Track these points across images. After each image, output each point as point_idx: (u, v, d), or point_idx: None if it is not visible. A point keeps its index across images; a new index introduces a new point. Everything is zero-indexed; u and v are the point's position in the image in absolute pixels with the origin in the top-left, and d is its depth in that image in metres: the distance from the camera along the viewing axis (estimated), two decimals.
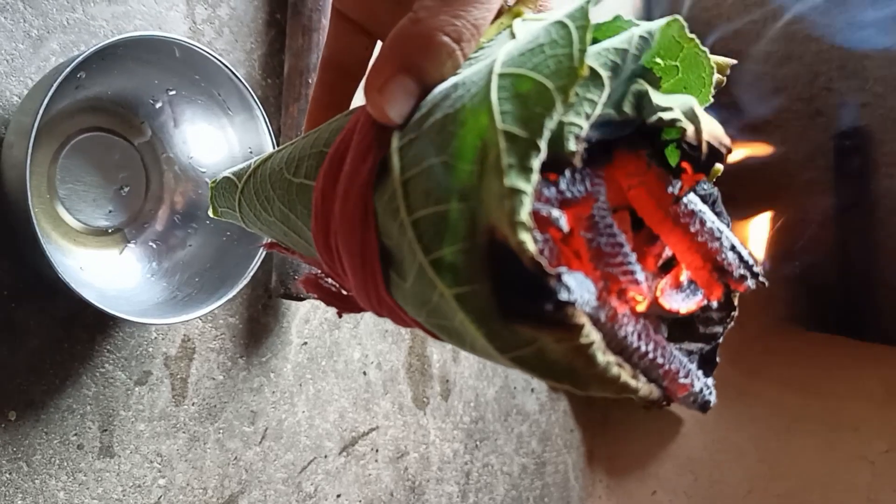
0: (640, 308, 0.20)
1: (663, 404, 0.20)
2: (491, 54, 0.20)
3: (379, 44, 0.31)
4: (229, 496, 0.62)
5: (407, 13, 0.22)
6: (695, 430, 1.17)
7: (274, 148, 0.56)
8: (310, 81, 0.63)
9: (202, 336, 0.60)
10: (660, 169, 0.21)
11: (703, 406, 0.20)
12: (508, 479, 0.98)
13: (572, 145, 0.18)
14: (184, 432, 0.58)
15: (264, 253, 0.56)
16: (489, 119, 0.18)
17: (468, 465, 0.91)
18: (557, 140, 0.17)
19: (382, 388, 0.78)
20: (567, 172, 0.19)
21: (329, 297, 0.28)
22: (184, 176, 0.58)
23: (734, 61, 0.24)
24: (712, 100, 0.24)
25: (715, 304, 0.22)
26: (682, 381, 0.19)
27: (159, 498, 0.56)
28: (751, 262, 0.21)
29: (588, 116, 0.18)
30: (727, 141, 0.20)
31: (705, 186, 0.23)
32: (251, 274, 0.54)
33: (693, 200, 0.22)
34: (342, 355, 0.73)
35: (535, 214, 0.17)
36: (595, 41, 0.20)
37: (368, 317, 0.76)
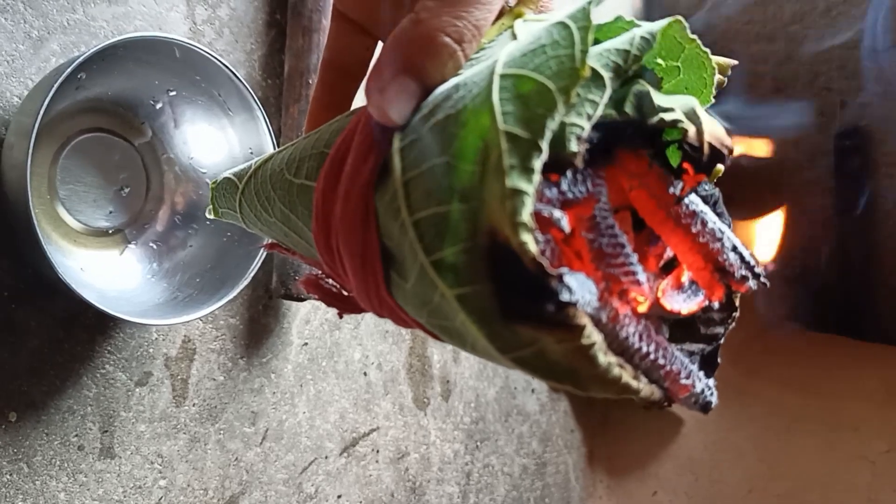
0: (642, 309, 0.20)
1: (664, 405, 0.20)
2: (492, 55, 0.20)
3: (380, 45, 0.31)
4: (230, 497, 0.62)
5: (408, 14, 0.22)
6: (695, 431, 1.17)
7: (274, 148, 0.56)
8: (310, 82, 0.63)
9: (203, 337, 0.60)
10: (661, 169, 0.21)
11: (705, 407, 0.20)
12: (509, 480, 0.98)
13: (574, 146, 0.18)
14: (184, 433, 0.58)
15: (265, 254, 0.56)
16: (491, 120, 0.18)
17: (469, 466, 0.91)
18: (559, 141, 0.17)
19: (383, 388, 0.78)
20: (568, 173, 0.19)
21: (330, 298, 0.28)
22: (184, 176, 0.58)
23: (735, 62, 0.24)
24: (713, 100, 0.24)
25: (716, 304, 0.22)
26: (683, 381, 0.19)
27: (160, 499, 0.56)
28: (752, 262, 0.21)
29: (590, 117, 0.18)
30: (728, 142, 0.20)
31: (706, 187, 0.23)
32: (252, 275, 0.54)
33: (694, 201, 0.22)
34: (343, 356, 0.73)
35: (537, 215, 0.17)
36: (596, 42, 0.20)
37: (369, 317, 0.76)
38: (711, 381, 0.20)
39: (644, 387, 0.18)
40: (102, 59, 0.46)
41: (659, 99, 0.21)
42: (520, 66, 0.18)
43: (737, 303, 0.23)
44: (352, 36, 0.30)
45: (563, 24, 0.19)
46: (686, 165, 0.21)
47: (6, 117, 0.48)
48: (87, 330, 0.52)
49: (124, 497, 0.54)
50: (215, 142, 0.57)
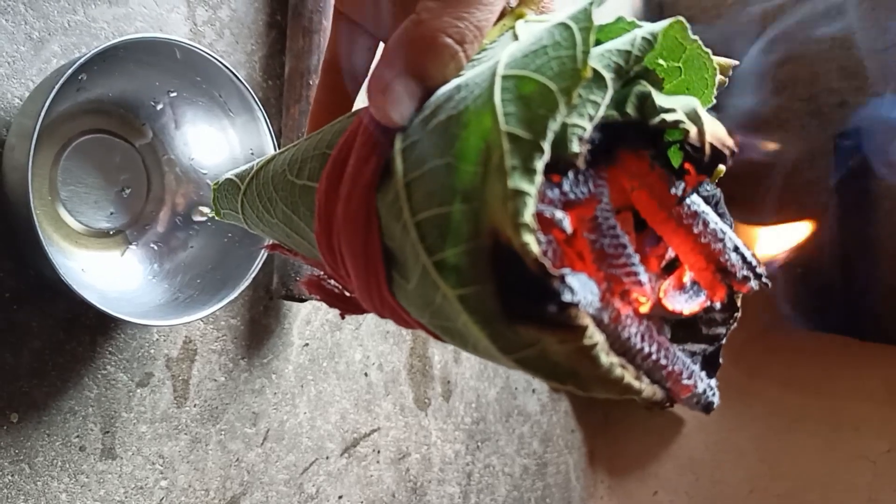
0: (644, 309, 0.20)
1: (666, 406, 0.20)
2: (494, 56, 0.20)
3: (381, 46, 0.31)
4: (231, 497, 0.62)
5: (409, 15, 0.22)
6: (696, 430, 1.17)
7: (275, 149, 0.56)
8: (311, 83, 0.63)
9: (204, 338, 0.60)
10: (663, 170, 0.21)
11: (707, 407, 0.20)
12: (510, 480, 0.98)
13: (575, 147, 0.18)
14: (185, 434, 0.58)
15: (266, 254, 0.56)
16: (492, 121, 0.18)
17: (469, 466, 0.91)
18: (561, 141, 0.18)
19: (384, 389, 0.78)
20: (570, 174, 0.19)
21: (332, 299, 0.28)
22: (185, 177, 0.58)
23: (737, 62, 0.24)
24: (715, 101, 0.24)
25: (718, 305, 0.22)
26: (685, 382, 0.19)
27: (161, 499, 0.56)
28: (754, 263, 0.21)
29: (591, 118, 0.18)
30: (730, 142, 0.20)
31: (708, 187, 0.23)
32: (253, 275, 0.54)
33: (696, 201, 0.22)
34: (344, 357, 0.73)
35: (539, 216, 0.17)
36: (598, 43, 0.20)
37: (370, 318, 0.76)
38: (713, 382, 0.20)
39: (646, 387, 0.18)
40: (103, 60, 0.46)
41: (660, 99, 0.21)
42: (521, 67, 0.19)
43: (738, 303, 0.23)
44: (353, 37, 0.30)
45: (564, 25, 0.19)
46: (687, 166, 0.21)
47: (7, 119, 0.48)
48: (88, 331, 0.52)
49: (126, 498, 0.54)
50: (216, 143, 0.57)
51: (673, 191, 0.21)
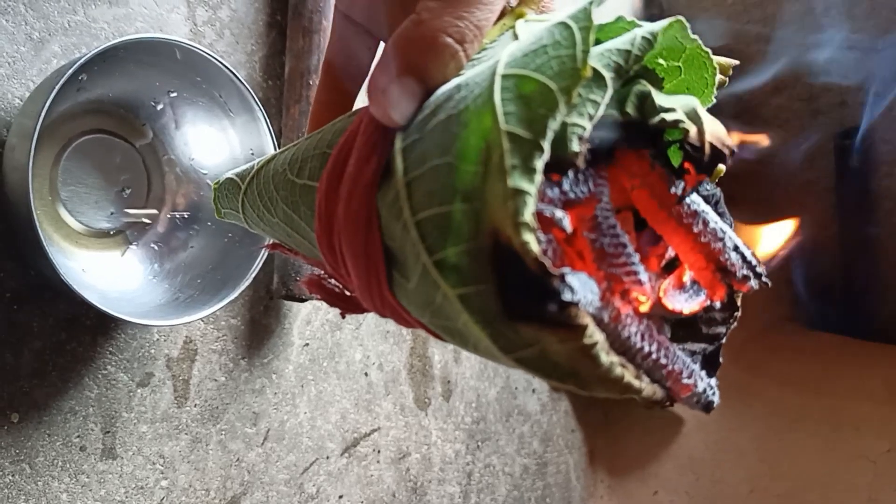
0: (644, 308, 0.20)
1: (666, 405, 0.20)
2: (494, 55, 0.21)
3: (382, 45, 0.31)
4: (232, 497, 0.62)
5: (409, 15, 0.22)
6: (696, 430, 1.17)
7: (275, 149, 0.56)
8: (311, 83, 0.63)
9: (204, 337, 0.60)
10: (663, 169, 0.21)
11: (707, 406, 0.20)
12: (510, 480, 0.98)
13: (575, 146, 0.18)
14: (186, 434, 0.58)
15: (266, 254, 0.56)
16: (492, 120, 0.18)
17: (470, 466, 0.91)
18: (561, 141, 0.18)
19: (384, 388, 0.78)
20: (570, 173, 0.19)
21: (332, 298, 0.28)
22: (185, 178, 0.59)
23: (736, 62, 0.24)
24: (715, 100, 0.24)
25: (718, 304, 0.23)
26: (685, 381, 0.19)
27: (162, 499, 0.56)
28: (753, 262, 0.21)
29: (591, 117, 0.18)
30: (730, 142, 0.20)
31: (708, 187, 0.23)
32: (253, 275, 0.54)
33: (696, 201, 0.22)
34: (344, 356, 0.73)
35: (539, 215, 0.17)
36: (598, 42, 0.20)
37: (370, 318, 0.76)
38: (713, 381, 0.21)
39: (646, 386, 0.18)
40: (103, 60, 0.46)
41: (660, 99, 0.21)
42: (521, 67, 0.19)
43: (738, 302, 0.23)
44: (353, 37, 0.30)
45: (564, 25, 0.19)
46: (687, 165, 0.21)
47: (8, 119, 0.48)
48: (88, 331, 0.52)
49: (126, 498, 0.54)
50: (216, 143, 0.57)
51: (673, 190, 0.21)
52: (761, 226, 0.25)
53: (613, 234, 0.19)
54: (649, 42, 0.20)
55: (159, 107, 0.56)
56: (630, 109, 0.21)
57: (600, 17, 0.19)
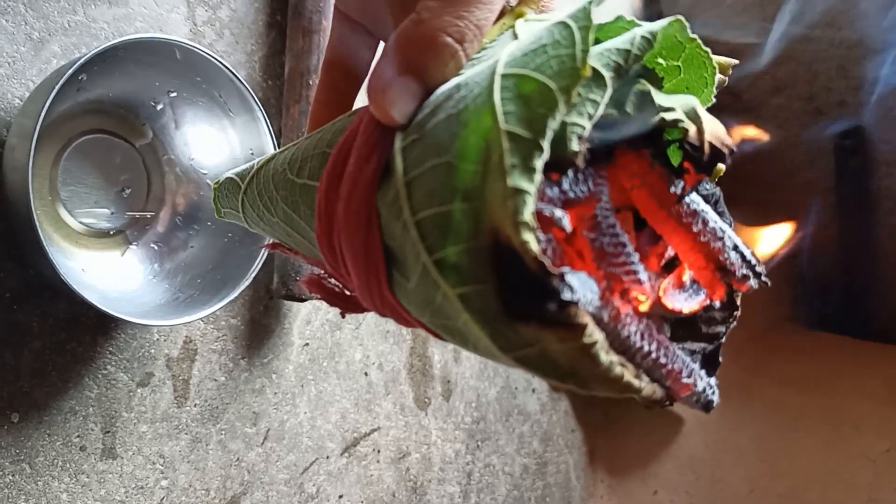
0: (643, 308, 0.20)
1: (666, 404, 0.20)
2: (494, 55, 0.21)
3: (381, 45, 0.31)
4: (232, 497, 0.62)
5: (409, 14, 0.22)
6: (696, 430, 1.17)
7: (275, 149, 0.56)
8: (310, 83, 0.63)
9: (204, 337, 0.60)
10: (662, 169, 0.21)
11: (706, 406, 0.20)
12: (510, 480, 0.98)
13: (575, 145, 0.18)
14: (186, 433, 0.58)
15: (266, 254, 0.56)
16: (492, 119, 0.18)
17: (470, 466, 0.91)
18: (560, 140, 0.18)
19: (384, 388, 0.78)
20: (570, 172, 0.19)
21: (332, 298, 0.28)
22: (185, 178, 0.59)
23: (736, 61, 0.24)
24: (714, 100, 0.24)
25: (717, 303, 0.23)
26: (684, 380, 0.19)
27: (162, 499, 0.56)
28: (753, 261, 0.21)
29: (591, 117, 0.18)
30: (729, 141, 0.20)
31: (707, 186, 0.23)
32: (253, 275, 0.55)
33: (695, 200, 0.22)
34: (344, 356, 0.73)
35: (539, 214, 0.17)
36: (597, 41, 0.20)
37: (370, 318, 0.76)
38: (713, 380, 0.21)
39: (646, 386, 0.18)
40: (103, 60, 0.46)
41: (660, 98, 0.21)
42: (521, 66, 0.19)
43: (738, 302, 0.23)
44: (353, 36, 0.30)
45: (564, 24, 0.19)
46: (687, 165, 0.21)
47: (8, 119, 0.48)
48: (88, 331, 0.52)
49: (126, 497, 0.54)
50: (216, 143, 0.57)
51: (672, 189, 0.21)
52: (760, 227, 0.25)
53: (613, 234, 0.19)
54: (649, 41, 0.20)
55: (159, 107, 0.56)
56: (630, 108, 0.21)
57: (600, 16, 0.19)
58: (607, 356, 0.17)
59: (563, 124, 0.18)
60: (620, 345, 0.18)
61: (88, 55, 0.43)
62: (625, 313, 0.18)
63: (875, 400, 1.08)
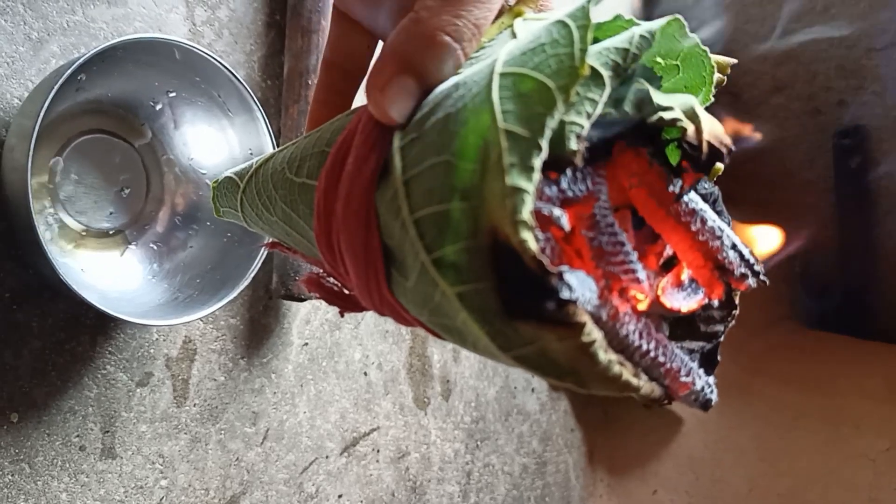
0: (642, 307, 0.20)
1: (665, 403, 0.20)
2: (492, 54, 0.21)
3: (380, 44, 0.31)
4: (231, 497, 0.62)
5: (408, 13, 0.22)
6: (695, 429, 1.17)
7: (274, 149, 0.56)
8: (309, 83, 0.63)
9: (203, 337, 0.60)
10: (661, 168, 0.21)
11: (705, 404, 0.20)
12: (509, 479, 0.98)
13: (573, 144, 0.18)
14: (185, 433, 0.58)
15: (265, 254, 0.56)
16: (491, 118, 0.18)
17: (469, 465, 0.91)
18: (559, 139, 0.18)
19: (383, 388, 0.78)
20: (568, 171, 0.19)
21: (331, 297, 0.28)
22: (184, 177, 0.59)
23: (734, 60, 0.24)
24: (713, 99, 0.24)
25: (716, 302, 0.23)
26: (683, 379, 0.19)
27: (161, 499, 0.56)
28: (752, 260, 0.21)
29: (589, 115, 0.18)
30: (728, 140, 0.20)
31: (706, 185, 0.23)
32: (252, 275, 0.55)
33: (694, 199, 0.22)
34: (343, 356, 0.73)
35: (537, 213, 0.17)
36: (596, 40, 0.20)
37: (369, 317, 0.76)
38: (711, 379, 0.21)
39: (644, 384, 0.18)
40: (102, 60, 0.46)
41: (658, 97, 0.21)
42: (519, 65, 0.19)
43: (736, 300, 0.23)
44: (352, 35, 0.30)
45: (562, 23, 0.19)
46: (685, 164, 0.21)
47: (6, 119, 0.48)
48: (88, 331, 0.52)
49: (126, 497, 0.54)
50: (215, 143, 0.57)
51: (671, 188, 0.21)
52: (757, 225, 0.25)
53: (611, 233, 0.19)
54: (647, 40, 0.20)
55: (158, 107, 0.56)
56: (628, 107, 0.21)
57: (598, 15, 0.19)
58: (606, 355, 0.17)
59: (562, 123, 0.18)
60: (619, 343, 0.18)
61: (87, 55, 0.43)
62: (623, 312, 0.18)
63: (875, 399, 1.08)
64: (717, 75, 0.24)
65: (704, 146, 0.20)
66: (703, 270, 0.22)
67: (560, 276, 0.16)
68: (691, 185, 0.21)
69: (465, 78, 0.20)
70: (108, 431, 0.53)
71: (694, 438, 1.16)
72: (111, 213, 0.55)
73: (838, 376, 1.14)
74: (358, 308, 0.26)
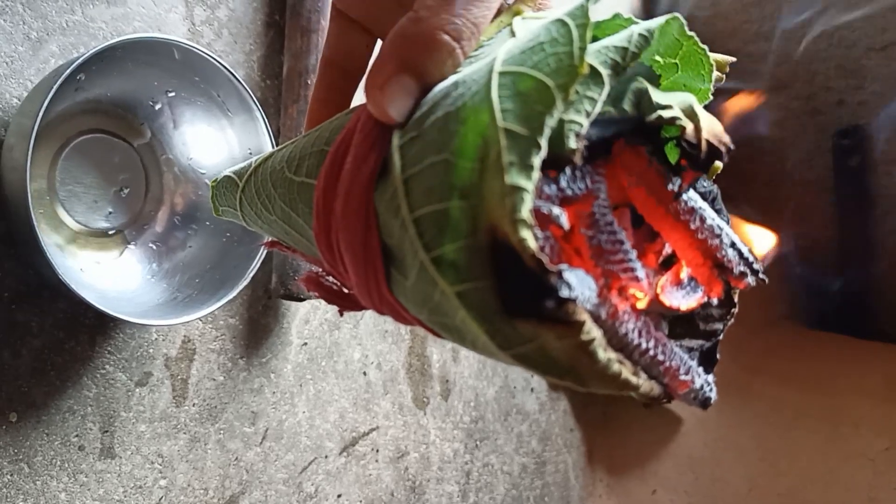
0: (641, 305, 0.20)
1: (664, 401, 0.20)
2: (491, 52, 0.21)
3: (379, 42, 0.31)
4: (230, 497, 0.62)
5: (407, 12, 0.22)
6: (695, 429, 1.17)
7: (273, 148, 0.56)
8: (309, 83, 0.63)
9: (202, 337, 0.60)
10: (660, 166, 0.21)
11: (704, 403, 0.20)
12: (509, 479, 0.98)
13: (573, 143, 0.18)
14: (184, 433, 0.58)
15: (264, 254, 0.56)
16: (490, 117, 0.18)
17: (468, 465, 0.91)
18: (558, 138, 0.18)
19: (382, 388, 0.78)
20: (567, 170, 0.19)
21: (330, 296, 0.28)
22: (183, 177, 0.58)
23: (733, 59, 0.24)
24: (711, 97, 0.24)
25: (715, 300, 0.23)
26: (682, 377, 0.19)
27: (160, 499, 0.56)
28: (751, 258, 0.21)
29: (588, 114, 0.18)
30: (726, 139, 0.20)
31: (705, 184, 0.23)
32: (251, 275, 0.54)
33: (693, 197, 0.22)
34: (342, 356, 0.73)
35: (536, 212, 0.17)
36: (595, 39, 0.20)
37: (368, 317, 0.76)
38: (710, 377, 0.21)
39: (643, 383, 0.18)
40: (101, 60, 0.46)
41: (657, 96, 0.21)
42: (518, 64, 0.19)
43: (736, 299, 0.23)
44: (351, 34, 0.30)
45: (561, 22, 0.19)
46: (684, 162, 0.21)
47: (6, 119, 0.48)
48: (87, 330, 0.52)
49: (125, 497, 0.54)
50: (214, 143, 0.57)
51: (670, 187, 0.21)
52: (753, 225, 0.25)
53: (611, 231, 0.19)
54: (646, 39, 0.20)
55: (157, 106, 0.56)
56: (627, 106, 0.21)
57: (597, 14, 0.19)
58: (605, 353, 0.17)
59: (561, 122, 0.18)
60: (618, 342, 0.18)
61: (87, 55, 0.43)
62: (622, 310, 0.18)
63: (874, 399, 1.08)
64: (715, 74, 0.24)
65: (703, 145, 0.20)
66: (702, 269, 0.22)
67: (559, 274, 0.16)
68: (690, 183, 0.21)
69: (464, 77, 0.20)
70: (107, 431, 0.53)
71: (693, 438, 1.16)
72: (110, 213, 0.55)
73: (838, 376, 1.14)
74: (357, 307, 0.26)
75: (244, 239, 0.57)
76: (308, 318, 0.70)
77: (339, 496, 0.72)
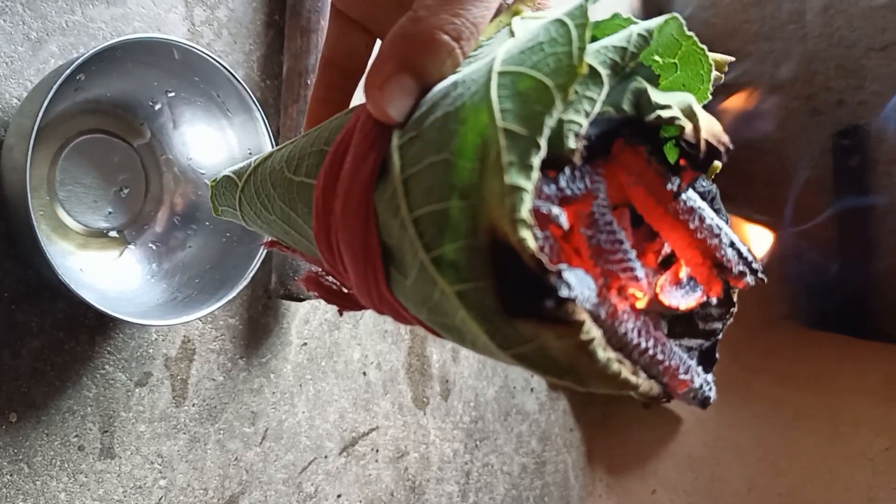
0: (640, 305, 0.20)
1: (663, 400, 0.20)
2: (490, 52, 0.21)
3: (379, 42, 0.31)
4: (230, 497, 0.62)
5: (406, 12, 0.22)
6: (695, 428, 1.17)
7: (273, 148, 0.56)
8: (308, 83, 0.63)
9: (202, 337, 0.60)
10: (659, 166, 0.21)
11: (703, 402, 0.20)
12: (508, 479, 0.98)
13: (572, 143, 0.18)
14: (184, 433, 0.58)
15: (264, 254, 0.56)
16: (489, 117, 0.18)
17: (468, 465, 0.91)
18: (557, 138, 0.18)
19: (382, 388, 0.78)
20: (567, 170, 0.19)
21: (330, 296, 0.28)
22: (183, 177, 0.59)
23: (732, 59, 0.24)
24: (710, 97, 0.24)
25: (714, 300, 0.23)
26: (681, 377, 0.19)
27: (160, 499, 0.56)
28: (750, 258, 0.21)
29: (587, 114, 0.18)
30: (725, 139, 0.20)
31: (704, 183, 0.23)
32: (251, 275, 0.55)
33: (692, 197, 0.22)
34: (342, 356, 0.73)
35: (536, 212, 0.17)
36: (594, 39, 0.20)
37: (368, 317, 0.76)
38: (710, 377, 0.21)
39: (643, 382, 0.18)
40: (101, 60, 0.46)
41: (656, 96, 0.21)
42: (518, 64, 0.19)
43: (735, 298, 0.23)
44: (350, 34, 0.30)
45: (560, 22, 0.19)
46: (683, 162, 0.21)
47: (5, 119, 0.48)
48: (87, 331, 0.52)
49: (124, 497, 0.54)
50: (214, 143, 0.57)
51: (669, 186, 0.21)
52: (753, 225, 0.25)
53: (610, 231, 0.19)
54: (645, 39, 0.20)
55: (157, 106, 0.56)
56: (626, 106, 0.21)
57: (596, 14, 0.19)
58: (605, 353, 0.17)
59: (560, 122, 0.18)
60: (618, 341, 0.18)
61: (86, 55, 0.43)
62: (622, 310, 0.18)
63: (874, 399, 1.08)
64: (714, 73, 0.24)
65: (702, 144, 0.20)
66: (701, 268, 0.22)
67: (559, 274, 0.16)
68: (689, 183, 0.21)
69: (463, 76, 0.20)
70: (106, 431, 0.53)
71: (693, 437, 1.16)
72: (110, 213, 0.55)
73: (838, 376, 1.14)
74: (357, 307, 0.26)
75: (244, 239, 0.57)
76: (308, 318, 0.70)
77: (338, 496, 0.72)
